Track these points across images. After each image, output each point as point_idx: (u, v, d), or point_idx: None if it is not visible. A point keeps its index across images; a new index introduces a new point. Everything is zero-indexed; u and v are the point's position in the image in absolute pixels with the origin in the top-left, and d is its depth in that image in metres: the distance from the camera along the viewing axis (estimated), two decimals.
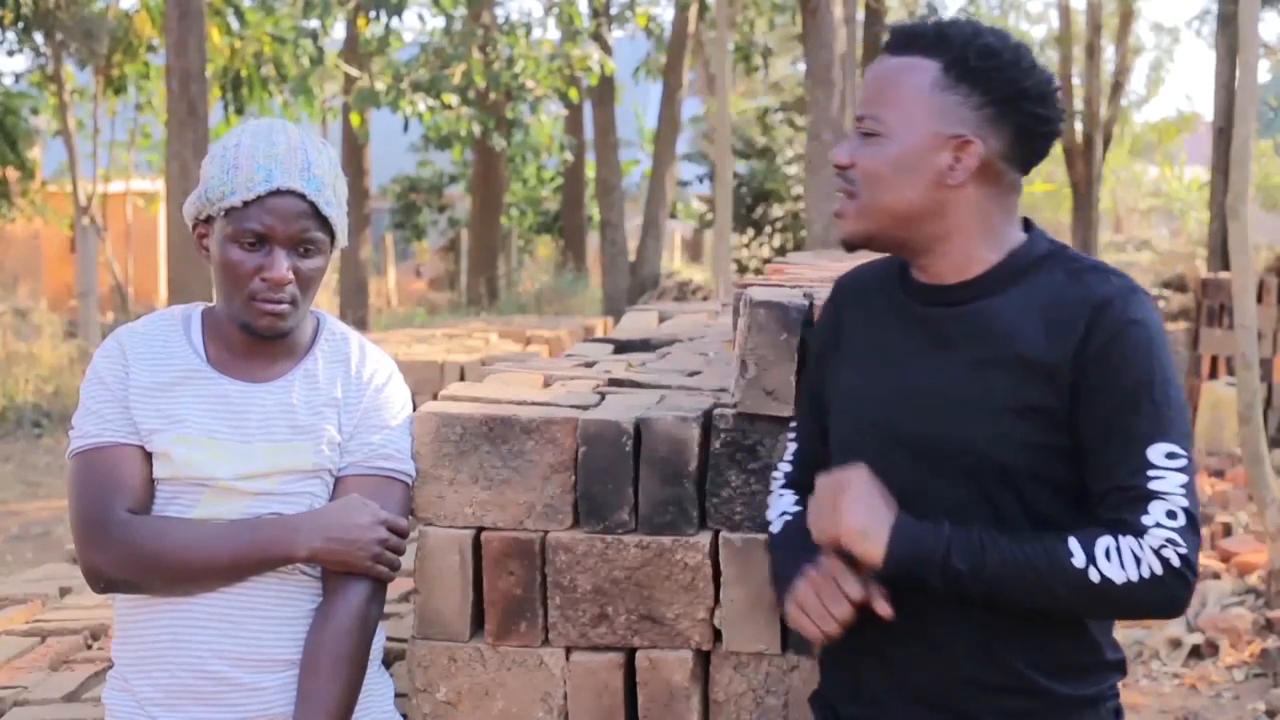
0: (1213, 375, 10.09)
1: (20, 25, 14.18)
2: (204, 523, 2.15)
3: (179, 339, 2.23)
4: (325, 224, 2.17)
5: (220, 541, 2.14)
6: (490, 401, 2.47)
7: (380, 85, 14.97)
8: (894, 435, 1.95)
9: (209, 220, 2.19)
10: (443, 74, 15.18)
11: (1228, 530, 6.96)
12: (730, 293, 7.00)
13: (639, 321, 3.90)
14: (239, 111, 14.92)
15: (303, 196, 2.14)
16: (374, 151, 18.23)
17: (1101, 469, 1.86)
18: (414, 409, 2.37)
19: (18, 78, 16.29)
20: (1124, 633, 5.56)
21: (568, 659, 2.36)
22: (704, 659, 2.38)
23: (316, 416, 2.22)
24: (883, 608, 1.91)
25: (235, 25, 14.84)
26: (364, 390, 2.27)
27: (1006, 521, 1.89)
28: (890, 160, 1.91)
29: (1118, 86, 17.97)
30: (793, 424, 2.23)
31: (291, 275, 2.15)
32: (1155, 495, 1.82)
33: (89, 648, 3.08)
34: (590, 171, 19.93)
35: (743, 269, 19.65)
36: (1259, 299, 9.29)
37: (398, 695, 2.39)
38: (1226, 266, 9.13)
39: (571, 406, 2.43)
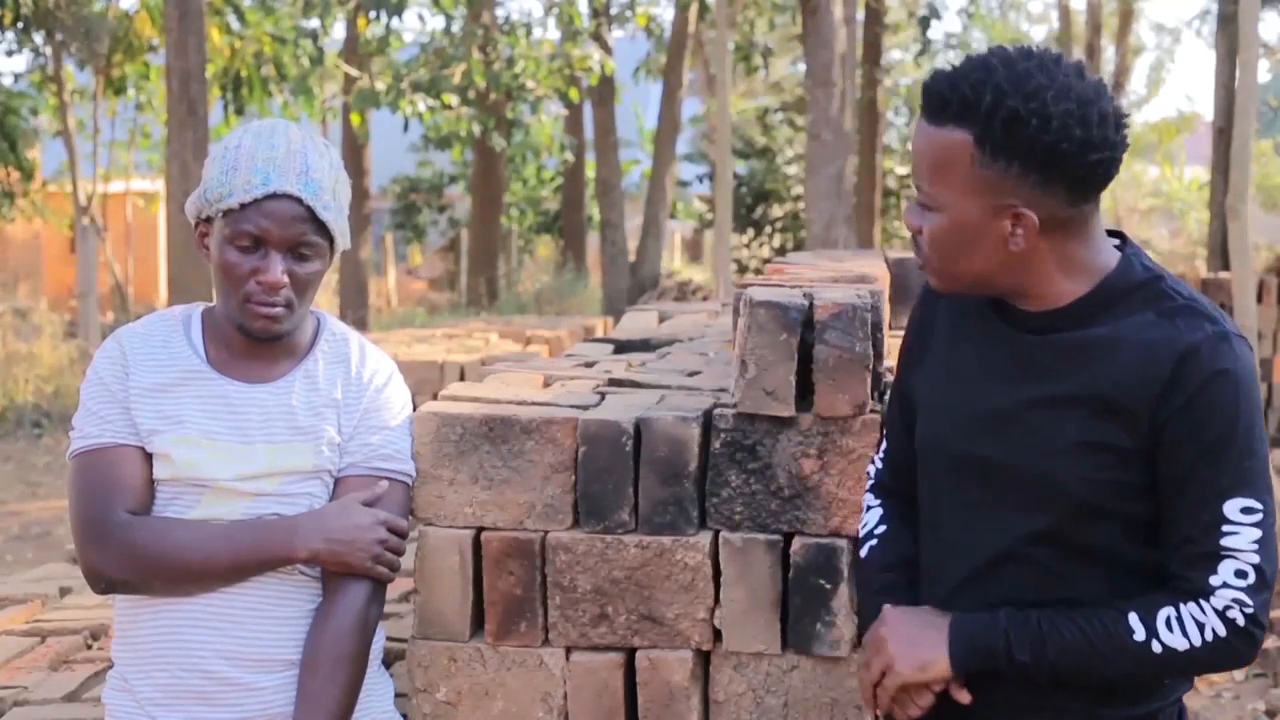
0: None
1: (20, 25, 14.17)
2: (204, 524, 2.15)
3: (179, 340, 2.24)
4: (323, 228, 2.17)
5: (220, 542, 2.14)
6: (490, 401, 2.47)
7: (380, 85, 14.96)
8: (965, 456, 1.95)
9: (209, 220, 2.19)
10: (443, 74, 15.17)
11: None
12: (730, 293, 7.01)
13: (639, 321, 3.90)
14: (239, 111, 14.91)
15: (299, 201, 2.14)
16: (374, 151, 18.22)
17: (1176, 519, 1.85)
18: (414, 409, 2.37)
19: (17, 78, 16.28)
20: None
21: (568, 659, 2.36)
22: (704, 659, 2.38)
23: (316, 417, 2.22)
24: (962, 696, 1.93)
25: (235, 25, 14.83)
26: (364, 391, 2.27)
27: (1076, 556, 1.89)
28: (949, 234, 1.88)
29: (1118, 87, 18.00)
30: (885, 417, 2.22)
31: (286, 279, 2.15)
32: (1226, 554, 1.82)
33: (89, 648, 3.09)
34: (590, 171, 19.92)
35: (743, 269, 19.65)
36: (1259, 299, 9.28)
37: (398, 695, 2.39)
38: (1226, 266, 9.13)
39: (571, 406, 2.43)
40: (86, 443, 2.18)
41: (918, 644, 1.92)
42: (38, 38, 14.54)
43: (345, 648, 2.16)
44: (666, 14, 19.42)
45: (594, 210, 20.60)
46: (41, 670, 2.91)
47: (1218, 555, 1.82)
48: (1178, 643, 1.82)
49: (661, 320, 3.91)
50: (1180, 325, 1.83)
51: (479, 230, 19.53)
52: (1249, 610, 1.81)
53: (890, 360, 2.42)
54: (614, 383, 2.67)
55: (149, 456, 2.17)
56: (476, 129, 16.10)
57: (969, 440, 1.94)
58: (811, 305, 2.32)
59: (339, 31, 16.97)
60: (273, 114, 15.31)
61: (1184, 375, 1.81)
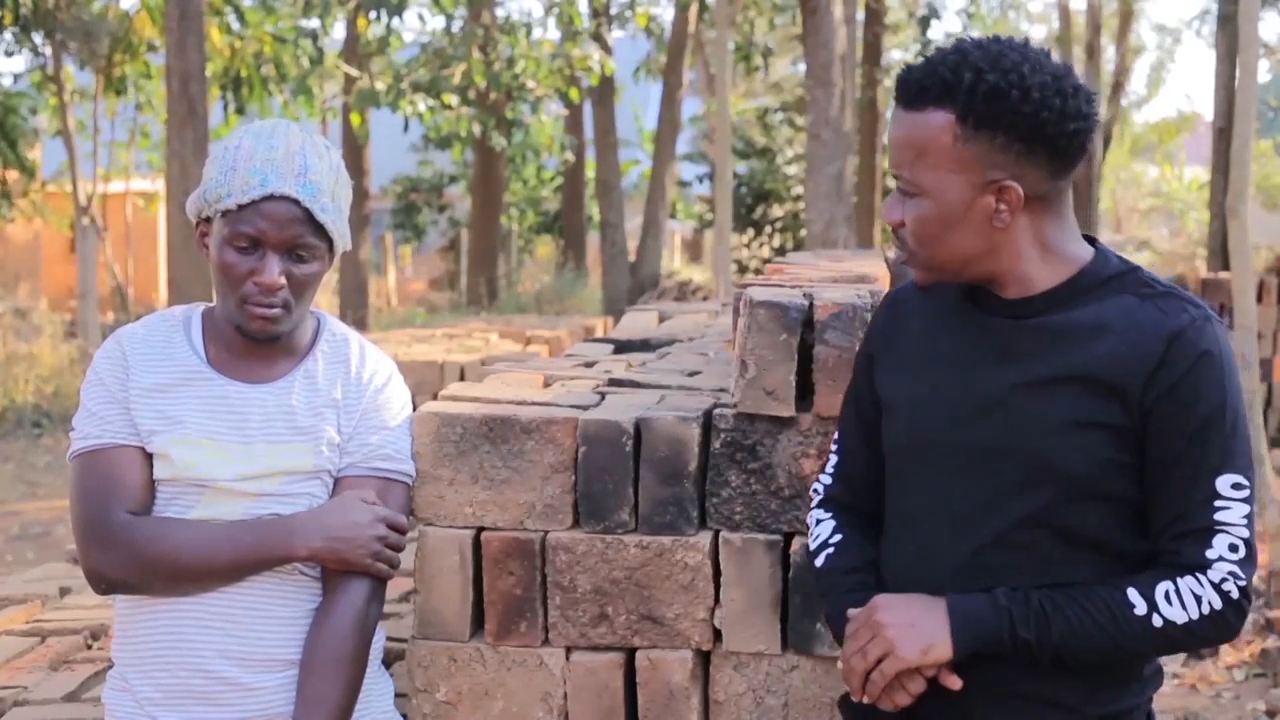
0: None
1: (20, 25, 14.17)
2: (204, 523, 2.15)
3: (179, 340, 2.24)
4: (321, 230, 2.17)
5: (220, 542, 2.14)
6: (490, 401, 2.47)
7: (380, 85, 14.97)
8: (956, 444, 1.94)
9: (209, 220, 2.20)
10: (443, 74, 15.18)
11: None
12: (730, 293, 7.01)
13: (639, 321, 3.90)
14: (239, 111, 14.91)
15: (297, 202, 2.13)
16: (374, 151, 18.23)
17: (1167, 497, 1.88)
18: (414, 409, 2.37)
19: (17, 78, 16.28)
20: None
21: (568, 659, 2.36)
22: (704, 659, 2.38)
23: (316, 417, 2.22)
24: (952, 681, 1.91)
25: (235, 25, 14.83)
26: (364, 391, 2.27)
27: (1066, 542, 1.90)
28: (934, 218, 1.90)
29: (1118, 87, 17.99)
30: (835, 434, 2.19)
31: (284, 280, 2.15)
32: (1219, 528, 1.86)
33: (89, 648, 3.08)
34: (590, 171, 19.92)
35: (743, 269, 19.66)
36: (1259, 299, 9.29)
37: (398, 695, 2.39)
38: (1226, 266, 9.13)
39: (571, 406, 2.43)
40: (87, 443, 2.18)
41: (918, 627, 1.90)
42: (37, 38, 14.53)
43: (345, 648, 2.16)
44: (666, 14, 19.43)
45: (594, 210, 20.61)
46: (41, 670, 2.90)
47: (1211, 530, 1.86)
48: (1177, 615, 1.85)
49: (661, 320, 3.91)
50: (1165, 308, 1.88)
51: (479, 230, 19.53)
52: (1242, 583, 1.86)
53: None
54: (614, 383, 2.67)
55: (149, 457, 2.17)
56: (476, 129, 16.11)
57: (959, 428, 1.94)
58: (811, 305, 2.32)
59: (339, 31, 16.99)
60: (273, 114, 15.31)
61: (1173, 355, 1.85)
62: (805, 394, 2.33)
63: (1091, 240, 1.99)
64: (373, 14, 14.99)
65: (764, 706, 2.35)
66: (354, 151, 16.43)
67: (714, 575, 2.34)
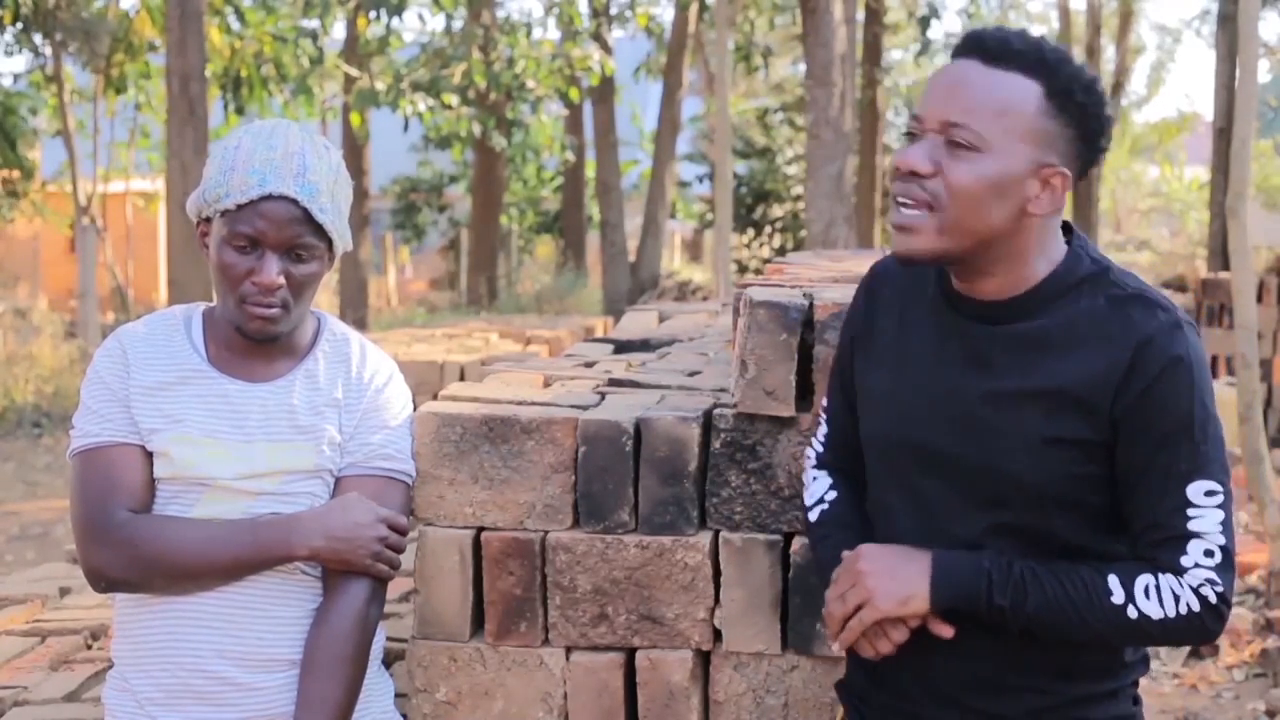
0: (1213, 375, 10.07)
1: (20, 25, 14.16)
2: (205, 522, 2.15)
3: (180, 339, 2.24)
4: (320, 230, 2.17)
5: (221, 541, 2.14)
6: (490, 401, 2.47)
7: (380, 85, 14.97)
8: (921, 448, 1.94)
9: (208, 220, 2.20)
10: (443, 74, 15.18)
11: None
12: (730, 293, 7.01)
13: (639, 321, 3.90)
14: (239, 111, 14.91)
15: (295, 202, 2.13)
16: (374, 151, 18.23)
17: (1140, 505, 1.87)
18: (414, 409, 2.37)
19: (17, 78, 16.28)
20: None
21: (568, 659, 2.36)
22: (704, 659, 2.38)
23: (317, 417, 2.22)
24: (943, 630, 1.91)
25: (235, 25, 14.83)
26: (364, 391, 2.27)
27: (1037, 546, 1.89)
28: (988, 180, 1.82)
29: (1118, 87, 17.99)
30: (824, 402, 2.18)
31: (282, 280, 2.15)
32: (1193, 535, 1.84)
33: (89, 648, 3.08)
34: (590, 171, 19.92)
35: (743, 269, 19.65)
36: (1259, 299, 9.29)
37: (398, 695, 2.39)
38: (1226, 266, 9.13)
39: (571, 406, 2.43)
40: (87, 441, 2.18)
41: (897, 578, 1.89)
42: (37, 38, 14.53)
43: (345, 648, 2.16)
44: (666, 14, 19.43)
45: (594, 210, 20.61)
46: (41, 670, 2.90)
47: (1185, 537, 1.84)
48: (1153, 611, 1.84)
49: (661, 320, 3.91)
50: (1133, 315, 1.85)
51: (479, 230, 19.53)
52: (1219, 589, 1.84)
53: None
54: (614, 383, 2.67)
55: (149, 455, 2.17)
56: (476, 129, 16.11)
57: (925, 433, 1.93)
58: (811, 305, 2.32)
59: (339, 31, 16.99)
60: (273, 114, 15.32)
61: (1142, 363, 1.82)
62: (805, 394, 2.33)
63: (1068, 230, 1.96)
64: (373, 14, 14.99)
65: (764, 706, 2.35)
66: (354, 151, 16.43)
67: (714, 575, 2.34)
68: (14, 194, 15.93)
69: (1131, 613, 1.84)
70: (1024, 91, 1.82)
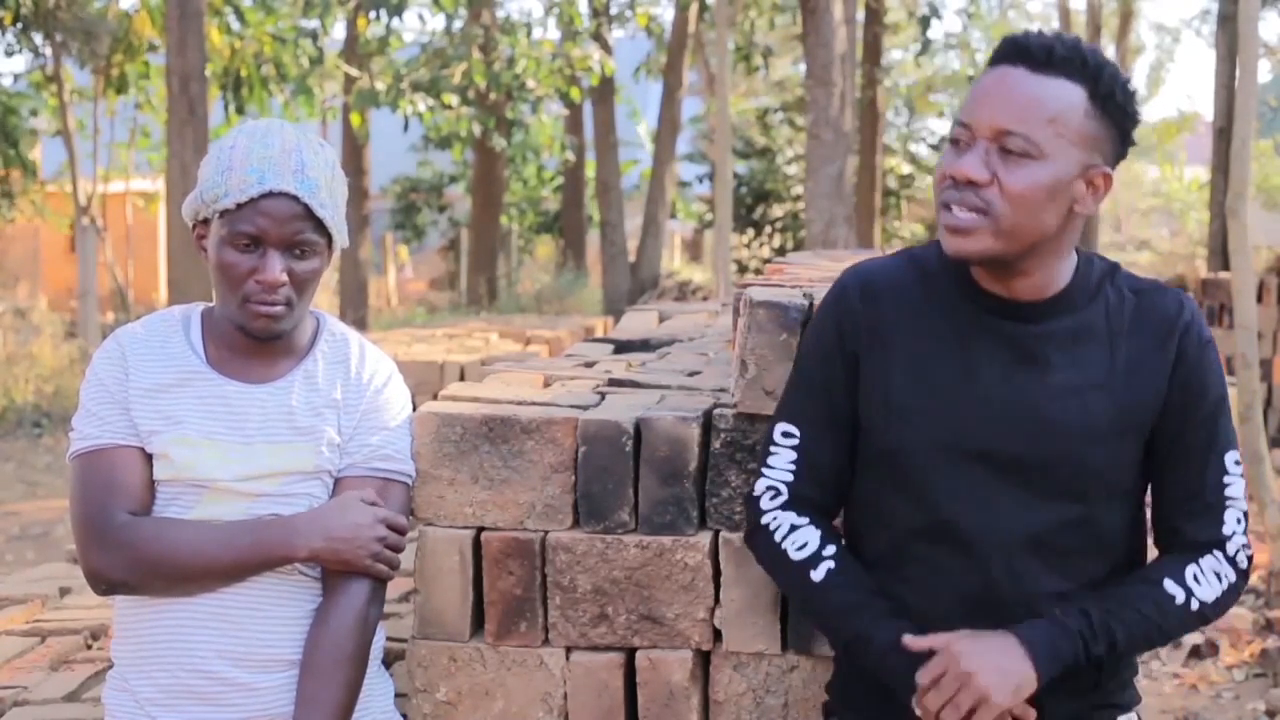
0: None
1: (20, 25, 14.16)
2: (205, 524, 2.15)
3: (179, 340, 2.24)
4: (320, 226, 2.17)
5: (220, 542, 2.14)
6: (490, 401, 2.47)
7: (380, 85, 14.96)
8: (985, 452, 1.94)
9: (206, 221, 2.19)
10: (443, 74, 15.17)
11: None
12: (730, 293, 7.00)
13: (639, 321, 3.90)
14: (239, 111, 14.90)
15: (296, 199, 2.13)
16: (374, 151, 18.22)
17: (1182, 477, 1.98)
18: (414, 409, 2.37)
19: (17, 78, 16.27)
20: None
21: (568, 659, 2.36)
22: (704, 659, 2.38)
23: (316, 417, 2.22)
24: (1029, 714, 1.91)
25: (235, 25, 14.82)
26: (364, 391, 2.27)
27: (1097, 536, 1.96)
28: (1044, 186, 1.86)
29: None
30: (785, 429, 2.08)
31: (285, 277, 2.15)
32: (1229, 503, 1.98)
33: (89, 648, 3.08)
34: (590, 171, 19.92)
35: (743, 269, 19.65)
36: (1259, 299, 9.28)
37: (398, 695, 2.39)
38: (1226, 266, 9.13)
39: (571, 406, 2.43)
40: (86, 444, 2.18)
41: (1004, 670, 1.88)
42: (38, 38, 14.52)
43: (345, 648, 2.16)
44: (666, 14, 19.43)
45: (594, 210, 20.60)
46: (41, 670, 2.90)
47: (1224, 505, 1.97)
48: (1207, 595, 1.96)
49: (661, 320, 3.91)
50: (1164, 305, 1.97)
51: (479, 230, 19.53)
52: (1249, 552, 1.98)
53: None
54: (614, 383, 2.67)
55: (149, 457, 2.17)
56: (476, 129, 16.11)
57: (989, 436, 1.94)
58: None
59: (339, 31, 16.97)
60: (273, 114, 15.30)
61: (1185, 349, 1.95)
62: None
63: None
64: (373, 14, 14.98)
65: (764, 706, 2.35)
66: (354, 151, 16.43)
67: (714, 575, 2.34)
68: (8, 195, 15.91)
69: (1194, 605, 1.95)
70: (1071, 96, 1.87)
